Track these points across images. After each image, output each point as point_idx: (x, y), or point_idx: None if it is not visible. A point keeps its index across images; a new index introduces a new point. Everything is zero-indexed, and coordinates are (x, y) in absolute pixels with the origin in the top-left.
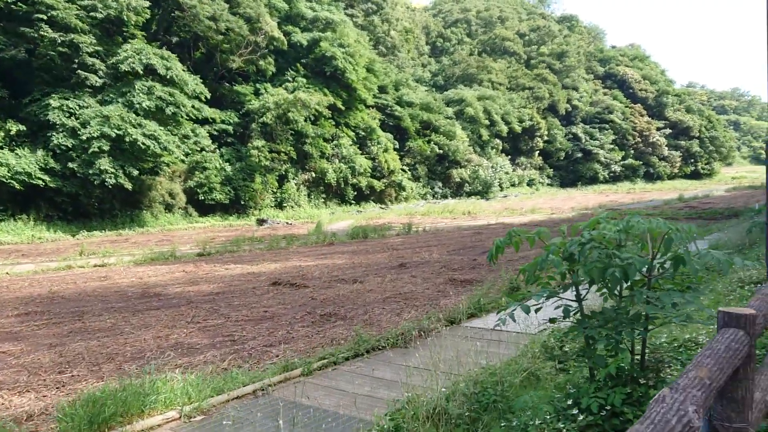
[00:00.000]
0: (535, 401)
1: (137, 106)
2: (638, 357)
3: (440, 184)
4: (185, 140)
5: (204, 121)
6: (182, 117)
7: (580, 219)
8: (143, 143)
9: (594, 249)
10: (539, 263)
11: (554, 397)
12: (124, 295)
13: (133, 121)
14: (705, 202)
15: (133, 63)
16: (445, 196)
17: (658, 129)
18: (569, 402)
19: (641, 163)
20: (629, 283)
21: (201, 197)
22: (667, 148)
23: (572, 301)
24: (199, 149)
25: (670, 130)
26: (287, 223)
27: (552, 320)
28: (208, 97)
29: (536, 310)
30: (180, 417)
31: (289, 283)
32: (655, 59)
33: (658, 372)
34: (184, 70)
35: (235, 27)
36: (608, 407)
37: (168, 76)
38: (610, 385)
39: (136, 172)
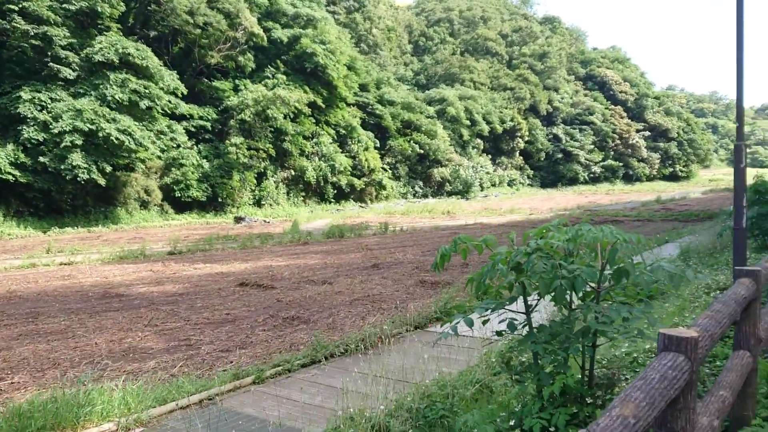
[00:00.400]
0: (477, 420)
1: (110, 98)
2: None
3: (421, 183)
4: (161, 136)
5: (181, 117)
6: (158, 112)
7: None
8: (117, 138)
9: (540, 259)
10: (485, 273)
11: (498, 415)
12: (85, 295)
13: (106, 115)
14: (682, 204)
15: (108, 53)
16: (425, 196)
17: (638, 131)
18: (512, 422)
19: (621, 164)
20: (581, 295)
21: (177, 194)
22: (646, 150)
23: (521, 313)
24: (175, 145)
25: (650, 133)
26: (265, 221)
27: (499, 333)
28: (185, 92)
29: (483, 322)
30: (117, 429)
31: (257, 284)
32: (636, 62)
33: (610, 388)
34: (160, 65)
35: (213, 22)
36: (552, 429)
37: (144, 66)
38: (555, 404)
39: (109, 168)
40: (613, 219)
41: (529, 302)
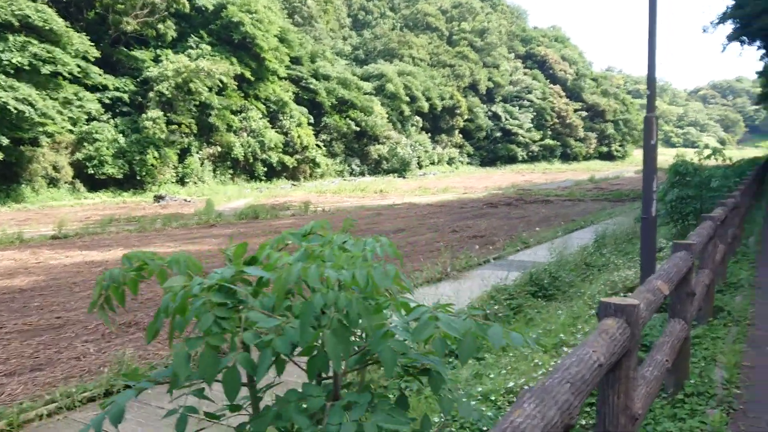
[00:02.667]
0: None
1: (7, 63)
2: None
3: (358, 161)
4: (67, 105)
5: (95, 88)
6: (63, 78)
7: (490, 199)
8: (15, 108)
9: (214, 307)
10: (160, 314)
11: None
12: None
13: (3, 83)
14: (614, 183)
15: (5, 14)
16: (362, 174)
17: (576, 111)
18: None
19: (559, 143)
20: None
21: (91, 171)
22: (583, 130)
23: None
24: (87, 118)
25: (587, 112)
26: (185, 200)
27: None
28: (97, 56)
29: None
30: None
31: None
32: (576, 42)
33: None
34: (67, 26)
35: None
36: None
37: (47, 29)
38: None
39: (6, 141)
40: (544, 198)
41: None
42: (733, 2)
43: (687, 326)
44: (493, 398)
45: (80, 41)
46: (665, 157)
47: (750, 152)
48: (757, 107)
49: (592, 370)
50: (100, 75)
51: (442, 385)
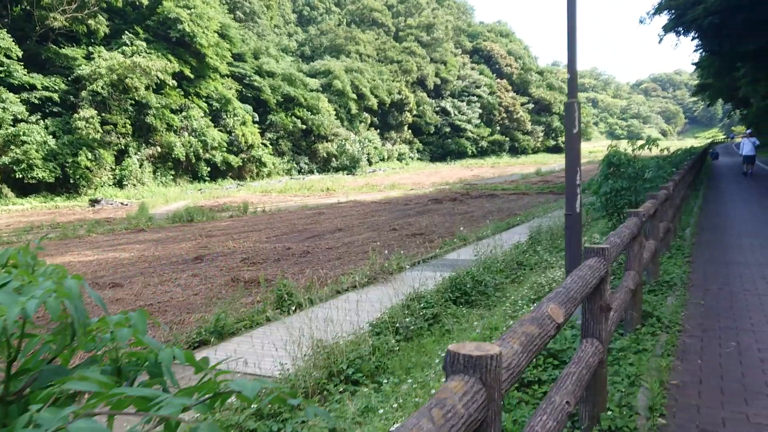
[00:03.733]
0: None
1: None
2: None
3: (306, 159)
4: None
5: (20, 88)
6: None
7: (436, 195)
8: None
9: None
10: None
11: None
12: None
13: None
14: (560, 175)
15: None
16: (311, 172)
17: (523, 104)
18: None
19: (507, 138)
20: None
21: (19, 175)
22: (530, 123)
23: None
24: (14, 120)
25: (533, 106)
26: (122, 203)
27: None
28: (20, 54)
29: None
30: None
31: None
32: (522, 37)
33: None
34: None
35: None
36: None
37: None
38: None
39: None
40: (490, 193)
41: None
42: None
43: (603, 347)
44: None
45: (1, 37)
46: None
47: (690, 143)
48: (695, 99)
49: None
50: (25, 74)
51: None
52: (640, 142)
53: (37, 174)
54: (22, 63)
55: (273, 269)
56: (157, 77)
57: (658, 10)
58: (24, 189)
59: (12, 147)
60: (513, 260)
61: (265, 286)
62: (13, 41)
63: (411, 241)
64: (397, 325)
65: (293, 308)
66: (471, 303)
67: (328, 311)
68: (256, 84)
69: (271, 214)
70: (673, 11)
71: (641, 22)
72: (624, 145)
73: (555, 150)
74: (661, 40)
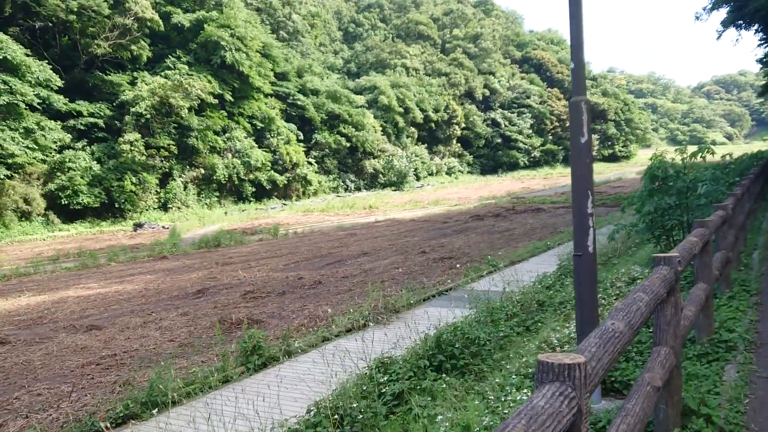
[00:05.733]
0: None
1: None
2: None
3: (353, 176)
4: (29, 135)
5: (68, 115)
6: (23, 108)
7: (479, 210)
8: None
9: None
10: None
11: None
12: None
13: None
14: (615, 185)
15: None
16: (358, 189)
17: None
18: None
19: (560, 147)
20: None
21: (65, 201)
22: None
23: None
24: (57, 147)
25: None
26: (163, 227)
27: None
28: (61, 85)
29: None
30: None
31: None
32: None
33: None
34: (28, 55)
35: (93, 5)
36: None
37: (1, 58)
38: None
39: None
40: (537, 207)
41: None
42: None
43: None
44: None
45: (40, 69)
46: (669, 154)
47: (758, 146)
48: (762, 100)
49: None
50: (65, 103)
51: None
52: (691, 149)
53: (83, 200)
54: (62, 93)
55: (273, 305)
56: (199, 97)
57: (716, 4)
58: (70, 215)
59: (58, 174)
60: (533, 299)
61: (246, 329)
62: (52, 70)
63: (437, 266)
64: (342, 413)
65: (260, 362)
66: (460, 369)
67: (301, 366)
68: (299, 102)
69: (302, 236)
70: (732, 3)
71: (697, 18)
72: (672, 154)
73: (611, 159)
74: (719, 36)
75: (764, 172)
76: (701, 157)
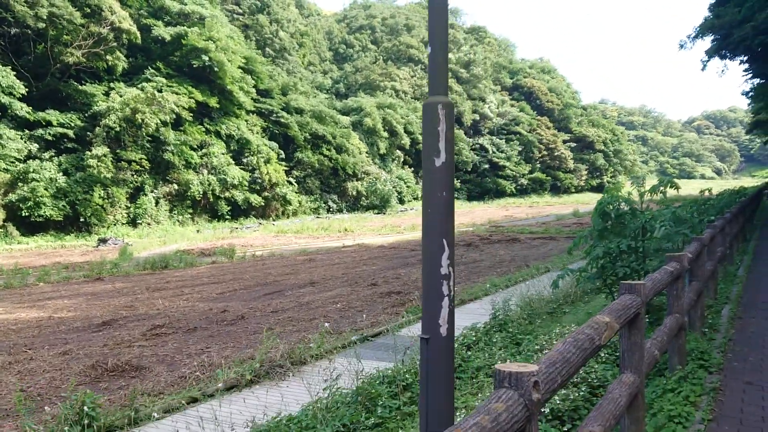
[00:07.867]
0: None
1: None
2: None
3: (335, 197)
4: None
5: (36, 124)
6: None
7: (456, 237)
8: None
9: None
10: None
11: None
12: None
13: None
14: None
15: None
16: (340, 210)
17: (564, 141)
18: None
19: (548, 177)
20: None
21: (25, 213)
22: (572, 161)
23: None
24: (20, 157)
25: (576, 143)
26: (128, 244)
27: None
28: (24, 93)
29: None
30: None
31: None
32: (565, 74)
33: None
34: None
35: (65, 14)
36: None
37: None
38: None
39: None
40: (513, 237)
41: None
42: (710, 13)
43: None
44: None
45: (3, 75)
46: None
47: (745, 182)
48: (750, 137)
49: None
50: (28, 112)
51: None
52: (650, 184)
53: (45, 212)
54: (32, 101)
55: (173, 345)
56: (173, 111)
57: (701, 33)
58: (31, 227)
59: (20, 184)
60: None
61: (114, 380)
62: (21, 77)
63: (382, 301)
64: None
65: None
66: None
67: None
68: (283, 120)
69: (259, 259)
70: (717, 33)
71: (681, 47)
72: (628, 188)
73: (600, 189)
74: (704, 66)
75: (743, 211)
76: (661, 192)
